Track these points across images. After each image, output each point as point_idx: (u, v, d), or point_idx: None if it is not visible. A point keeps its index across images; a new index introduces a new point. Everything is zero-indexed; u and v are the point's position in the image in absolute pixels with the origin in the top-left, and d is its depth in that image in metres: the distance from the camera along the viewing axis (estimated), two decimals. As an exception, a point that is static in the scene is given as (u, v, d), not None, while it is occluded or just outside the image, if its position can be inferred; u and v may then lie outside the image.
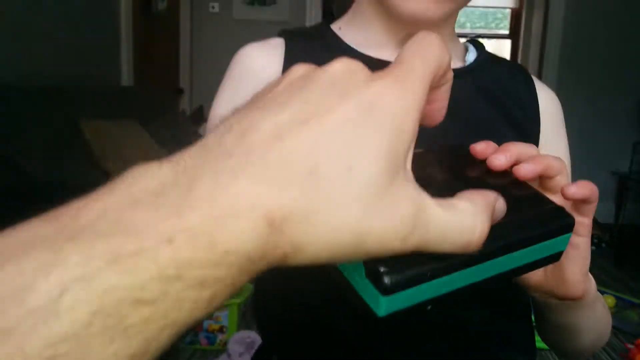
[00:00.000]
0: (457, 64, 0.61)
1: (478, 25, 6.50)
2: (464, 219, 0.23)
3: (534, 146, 0.39)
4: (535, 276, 0.46)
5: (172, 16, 3.75)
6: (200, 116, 3.44)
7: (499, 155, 0.36)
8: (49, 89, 2.21)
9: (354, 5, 0.63)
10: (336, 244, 0.20)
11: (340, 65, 0.23)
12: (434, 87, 0.25)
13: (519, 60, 4.77)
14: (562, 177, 0.40)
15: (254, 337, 1.87)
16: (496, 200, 0.26)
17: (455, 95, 0.59)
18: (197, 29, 3.90)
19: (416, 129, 0.23)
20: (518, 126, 0.61)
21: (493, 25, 6.63)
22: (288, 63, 0.58)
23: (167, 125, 2.77)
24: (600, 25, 3.73)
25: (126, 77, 3.11)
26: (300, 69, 0.24)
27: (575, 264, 0.43)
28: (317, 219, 0.19)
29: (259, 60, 0.59)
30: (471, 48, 0.65)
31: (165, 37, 3.69)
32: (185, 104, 3.85)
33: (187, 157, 0.20)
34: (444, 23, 0.58)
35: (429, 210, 0.22)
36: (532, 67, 4.28)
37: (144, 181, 0.19)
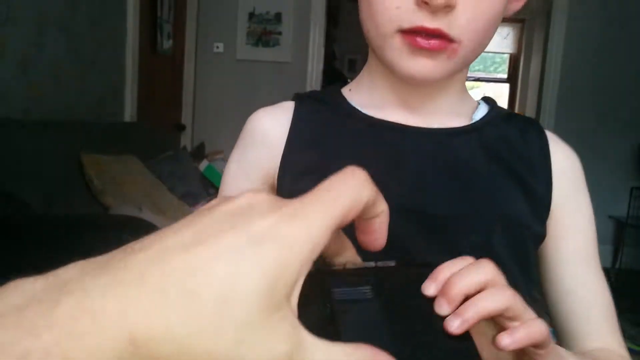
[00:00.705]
0: (462, 121, 0.61)
1: (477, 68, 6.62)
2: None
3: (502, 282, 0.33)
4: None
5: (177, 55, 3.83)
6: (201, 153, 3.46)
7: (449, 313, 0.30)
8: (51, 122, 2.23)
9: (364, 68, 0.65)
10: None
11: (243, 199, 0.24)
12: (364, 219, 0.27)
13: (516, 104, 4.83)
14: (516, 322, 0.34)
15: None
16: None
17: (455, 153, 0.58)
18: (201, 67, 3.97)
19: (306, 264, 0.23)
20: (525, 186, 0.59)
21: (492, 69, 6.75)
22: (295, 125, 0.61)
23: (168, 161, 2.78)
24: (597, 70, 3.79)
25: (129, 113, 3.15)
26: (231, 200, 0.25)
27: None
28: (188, 342, 0.20)
29: (267, 123, 0.63)
30: (482, 105, 0.65)
31: (169, 75, 3.75)
32: (187, 141, 3.88)
33: (67, 270, 0.21)
34: (449, 81, 0.59)
35: (306, 352, 0.22)
36: (529, 111, 4.33)
37: (13, 296, 0.19)
